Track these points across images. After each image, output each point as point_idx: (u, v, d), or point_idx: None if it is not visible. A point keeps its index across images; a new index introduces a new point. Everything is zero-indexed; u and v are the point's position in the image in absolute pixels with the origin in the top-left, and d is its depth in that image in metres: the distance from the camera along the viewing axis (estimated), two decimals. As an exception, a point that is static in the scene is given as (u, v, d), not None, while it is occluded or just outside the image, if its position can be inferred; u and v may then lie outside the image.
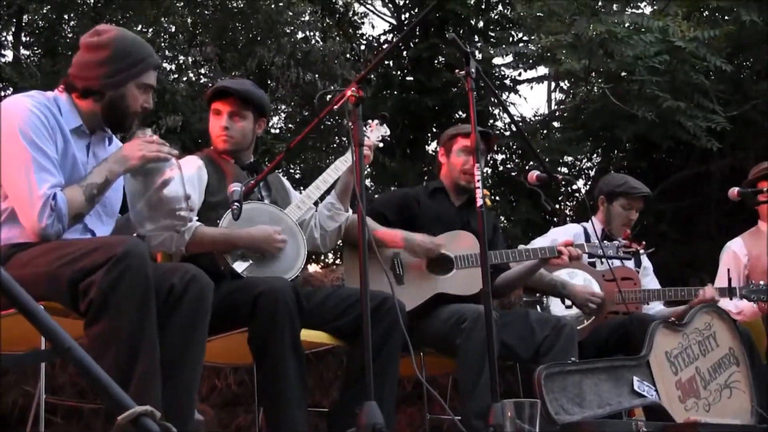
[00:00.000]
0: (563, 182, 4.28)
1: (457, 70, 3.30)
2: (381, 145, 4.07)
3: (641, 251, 4.49)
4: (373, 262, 3.96)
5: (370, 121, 4.01)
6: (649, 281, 4.88)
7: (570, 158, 11.29)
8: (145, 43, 3.21)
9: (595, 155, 11.22)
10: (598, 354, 4.34)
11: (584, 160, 11.30)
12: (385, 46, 10.97)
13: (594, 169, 11.49)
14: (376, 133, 3.99)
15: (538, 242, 4.72)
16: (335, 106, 3.14)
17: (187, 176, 3.55)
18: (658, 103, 7.94)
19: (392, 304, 3.45)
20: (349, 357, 3.65)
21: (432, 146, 11.02)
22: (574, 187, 10.90)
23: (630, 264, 4.83)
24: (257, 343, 3.31)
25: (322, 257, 10.07)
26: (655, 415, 3.76)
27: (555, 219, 10.11)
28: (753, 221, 5.06)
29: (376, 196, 9.36)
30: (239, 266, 3.50)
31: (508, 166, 11.21)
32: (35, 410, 3.07)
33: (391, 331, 3.47)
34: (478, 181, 3.23)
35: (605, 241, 4.37)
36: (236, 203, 3.23)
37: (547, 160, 9.72)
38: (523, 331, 4.06)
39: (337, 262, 9.55)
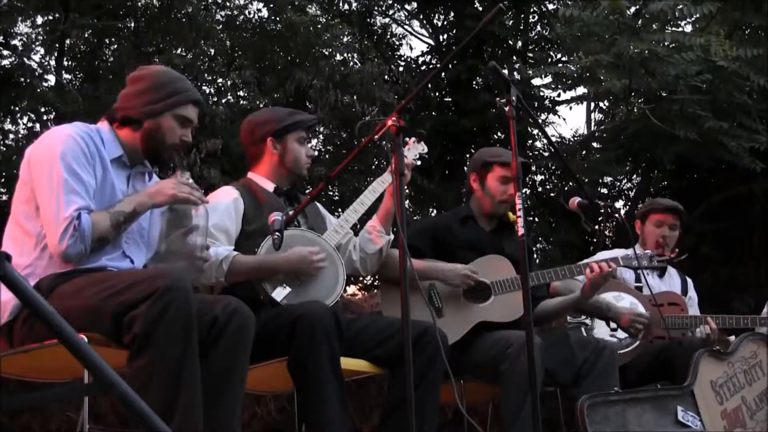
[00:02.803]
0: (604, 209, 4.24)
1: (498, 99, 3.32)
2: (419, 163, 4.04)
3: (673, 258, 4.43)
4: (411, 295, 3.97)
5: (407, 139, 3.99)
6: (693, 312, 4.82)
7: (609, 179, 11.19)
8: (186, 80, 3.30)
9: (635, 176, 11.10)
10: (639, 379, 4.30)
11: (624, 181, 11.19)
12: (423, 69, 10.96)
13: (633, 190, 11.38)
14: (413, 151, 3.97)
15: None
16: (376, 136, 3.14)
17: (223, 206, 3.61)
18: (699, 123, 7.84)
19: (434, 333, 3.43)
20: (389, 385, 3.63)
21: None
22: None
23: (677, 290, 4.77)
24: (297, 367, 3.31)
25: (361, 278, 10.05)
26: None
27: (594, 240, 10.01)
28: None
29: (415, 217, 9.32)
30: (278, 294, 3.50)
31: (547, 187, 11.14)
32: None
33: (433, 361, 3.45)
34: (520, 209, 3.20)
35: (638, 251, 4.32)
36: (277, 233, 3.24)
37: (586, 180, 9.67)
38: (563, 355, 4.01)
39: (377, 283, 9.52)
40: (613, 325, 4.49)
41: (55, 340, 2.73)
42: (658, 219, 4.79)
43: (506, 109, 3.22)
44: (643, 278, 4.27)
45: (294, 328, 3.26)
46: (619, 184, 11.21)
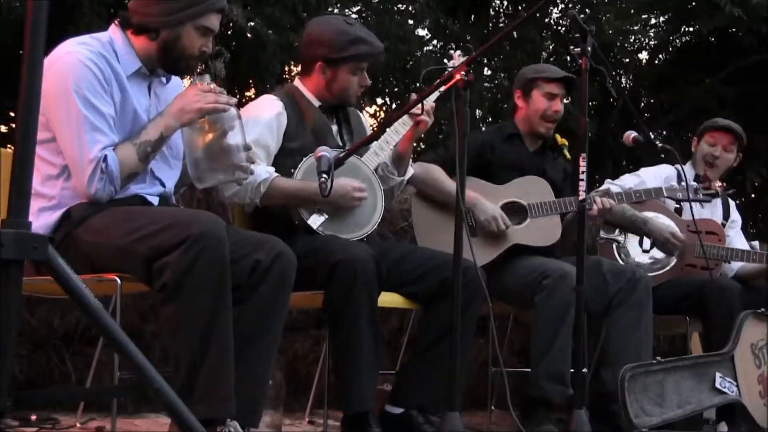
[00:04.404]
0: (661, 150, 4.04)
1: (572, 47, 3.08)
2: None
3: (719, 191, 4.28)
4: (443, 217, 3.88)
5: (452, 52, 3.78)
6: (735, 234, 4.70)
7: (629, 26, 10.66)
8: None
9: (660, 29, 10.61)
10: (669, 310, 4.22)
11: (649, 34, 10.69)
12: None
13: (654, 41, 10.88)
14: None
15: (627, 179, 4.57)
16: (442, 89, 2.92)
17: (265, 121, 3.39)
18: (747, -3, 7.42)
19: (473, 274, 3.28)
20: (422, 324, 3.55)
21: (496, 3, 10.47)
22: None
23: (718, 215, 4.64)
24: (332, 310, 3.24)
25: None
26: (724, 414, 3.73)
27: (615, 103, 9.71)
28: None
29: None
30: (314, 221, 3.36)
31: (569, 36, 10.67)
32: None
33: (469, 305, 3.30)
34: (583, 172, 3.03)
35: (682, 184, 4.18)
36: (324, 175, 3.02)
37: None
38: (595, 283, 3.91)
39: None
40: (646, 245, 4.37)
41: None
42: (712, 137, 4.60)
43: (581, 60, 3.04)
44: (691, 214, 4.08)
45: (334, 272, 3.15)
46: (640, 37, 10.71)
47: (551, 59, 10.60)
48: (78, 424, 3.45)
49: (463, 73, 2.79)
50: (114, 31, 2.92)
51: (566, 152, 4.23)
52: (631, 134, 3.80)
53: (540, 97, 4.13)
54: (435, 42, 10.14)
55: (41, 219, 2.77)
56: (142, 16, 2.88)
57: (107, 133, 2.77)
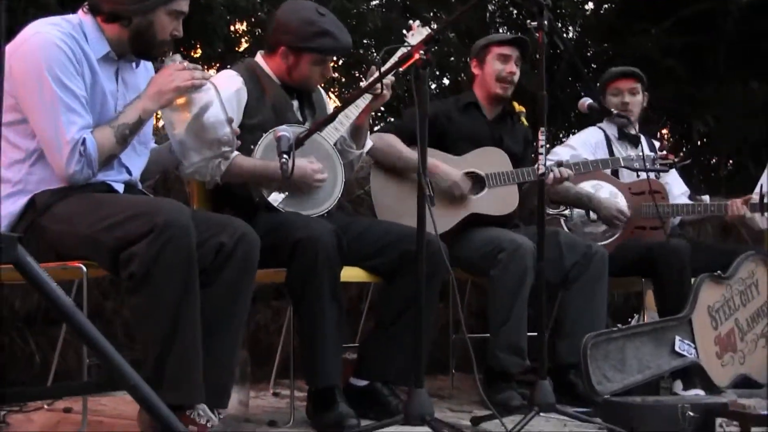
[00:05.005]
0: (616, 117, 4.10)
1: (528, 21, 3.11)
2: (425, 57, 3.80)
3: (677, 162, 4.36)
4: (402, 188, 3.92)
5: (411, 22, 3.77)
6: (673, 180, 4.75)
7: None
8: None
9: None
10: (624, 272, 4.30)
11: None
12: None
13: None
14: (417, 36, 3.72)
15: (560, 151, 4.57)
16: (400, 68, 2.92)
17: (225, 97, 3.35)
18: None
19: (435, 246, 3.30)
20: (384, 297, 3.58)
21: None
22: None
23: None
24: (295, 288, 3.26)
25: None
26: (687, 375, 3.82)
27: (560, 52, 9.72)
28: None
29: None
30: (275, 198, 3.36)
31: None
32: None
33: (432, 277, 3.32)
34: (542, 147, 3.07)
35: (639, 154, 4.24)
36: (285, 156, 3.02)
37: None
38: (552, 255, 3.96)
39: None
40: (593, 215, 4.43)
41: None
42: (614, 87, 4.64)
43: (538, 33, 3.06)
44: (646, 174, 4.14)
45: (295, 250, 3.16)
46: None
47: (497, 13, 10.63)
48: (45, 406, 3.44)
49: (422, 52, 2.79)
50: (84, 16, 2.89)
51: (524, 119, 4.27)
52: (586, 101, 3.84)
53: (494, 60, 4.18)
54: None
55: (5, 206, 2.76)
56: (113, 4, 2.86)
57: (82, 114, 2.77)
